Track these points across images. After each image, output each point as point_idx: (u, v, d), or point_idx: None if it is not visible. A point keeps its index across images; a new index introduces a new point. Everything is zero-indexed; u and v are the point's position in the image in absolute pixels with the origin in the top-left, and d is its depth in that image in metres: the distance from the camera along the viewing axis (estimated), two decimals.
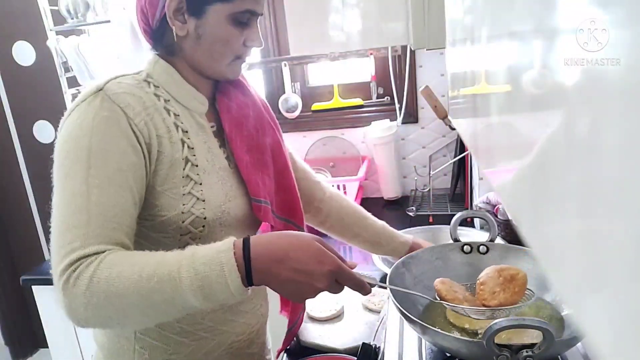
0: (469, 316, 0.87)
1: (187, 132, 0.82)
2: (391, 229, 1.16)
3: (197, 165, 0.81)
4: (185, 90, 0.84)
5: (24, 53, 2.15)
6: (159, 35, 0.83)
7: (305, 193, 1.07)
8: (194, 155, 0.81)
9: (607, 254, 0.25)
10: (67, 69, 1.84)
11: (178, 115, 0.82)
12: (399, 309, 0.86)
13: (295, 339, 1.12)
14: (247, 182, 0.88)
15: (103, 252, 0.67)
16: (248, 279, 0.66)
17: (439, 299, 0.89)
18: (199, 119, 0.86)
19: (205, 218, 0.81)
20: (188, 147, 0.81)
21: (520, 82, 0.40)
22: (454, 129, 1.80)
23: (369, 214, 1.15)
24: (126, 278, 0.64)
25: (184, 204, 0.79)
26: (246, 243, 0.67)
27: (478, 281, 0.91)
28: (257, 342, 0.97)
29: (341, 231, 1.15)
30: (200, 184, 0.81)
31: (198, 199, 0.80)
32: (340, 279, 0.70)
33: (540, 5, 0.34)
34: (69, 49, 1.79)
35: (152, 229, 0.80)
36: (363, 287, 0.73)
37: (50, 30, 1.81)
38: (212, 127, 0.88)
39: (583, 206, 0.28)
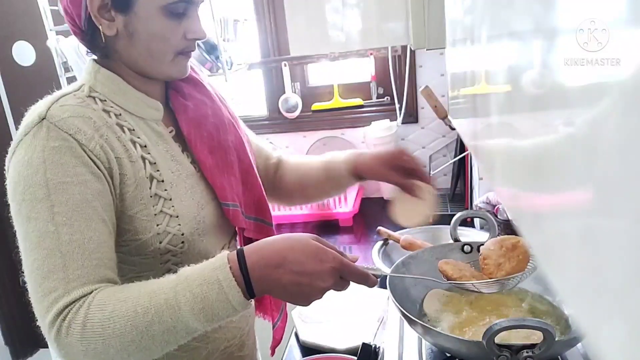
0: (480, 291, 0.86)
1: (145, 146, 0.76)
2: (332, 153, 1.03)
3: (162, 181, 0.76)
4: (135, 99, 0.77)
5: (24, 53, 2.15)
6: (90, 37, 0.75)
7: (261, 171, 1.02)
8: (158, 171, 0.76)
9: (607, 254, 0.25)
10: (67, 69, 1.84)
11: (133, 130, 0.75)
12: (399, 309, 0.86)
13: (295, 338, 1.12)
14: (213, 186, 0.83)
15: (90, 293, 0.63)
16: (249, 291, 0.64)
17: (445, 280, 0.89)
18: (156, 126, 0.80)
19: (183, 234, 0.77)
20: (150, 162, 0.75)
21: (520, 82, 0.40)
22: (454, 129, 1.80)
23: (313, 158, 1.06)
24: (121, 317, 0.61)
25: (158, 224, 0.74)
26: (240, 254, 0.65)
27: (481, 257, 0.90)
28: (247, 343, 0.96)
29: (302, 187, 1.05)
30: (170, 199, 0.76)
31: (171, 216, 0.76)
32: (344, 274, 0.68)
33: (540, 5, 0.34)
34: (69, 49, 1.79)
35: (129, 253, 0.76)
36: (368, 280, 0.70)
37: (50, 30, 1.80)
38: (170, 132, 0.83)
39: (583, 206, 0.28)
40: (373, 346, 0.94)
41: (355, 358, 0.93)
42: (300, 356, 1.07)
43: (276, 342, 1.00)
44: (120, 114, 0.75)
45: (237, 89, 2.14)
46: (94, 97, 0.74)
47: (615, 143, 0.23)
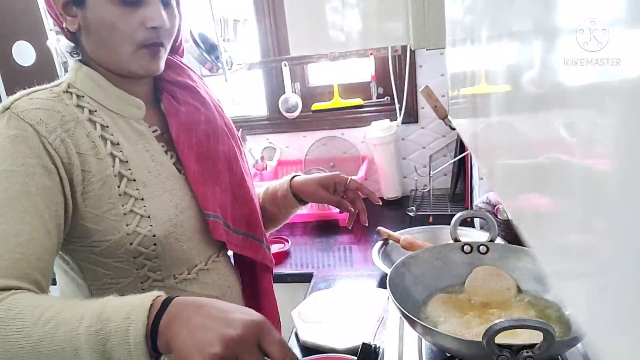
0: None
1: (117, 144, 0.74)
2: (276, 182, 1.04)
3: (134, 180, 0.74)
4: (115, 96, 0.76)
5: (24, 53, 2.15)
6: (68, 36, 0.77)
7: None
8: (129, 170, 0.74)
9: (607, 254, 0.25)
10: (67, 69, 1.84)
11: (106, 127, 0.74)
12: (399, 309, 0.86)
13: (295, 338, 1.12)
14: (196, 194, 0.81)
15: (7, 289, 0.58)
16: (154, 329, 0.53)
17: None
18: (137, 125, 0.78)
19: (154, 236, 0.74)
20: (120, 160, 0.73)
21: (520, 82, 0.40)
22: (454, 129, 1.80)
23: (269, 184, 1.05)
24: (21, 320, 0.54)
25: (127, 224, 0.72)
26: (169, 300, 0.56)
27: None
28: None
29: (273, 213, 1.03)
30: (142, 199, 0.74)
31: (142, 216, 0.73)
32: (264, 338, 0.53)
33: (540, 5, 0.34)
34: (69, 49, 1.79)
35: (101, 255, 0.73)
36: (287, 356, 0.54)
37: (50, 30, 1.81)
38: (154, 131, 0.81)
39: (583, 206, 0.28)
40: (373, 346, 0.94)
41: (355, 358, 0.93)
42: (300, 356, 1.07)
43: None
44: (95, 110, 0.74)
45: (237, 89, 2.14)
46: (70, 93, 0.74)
47: (616, 143, 0.23)
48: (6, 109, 0.67)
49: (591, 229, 0.27)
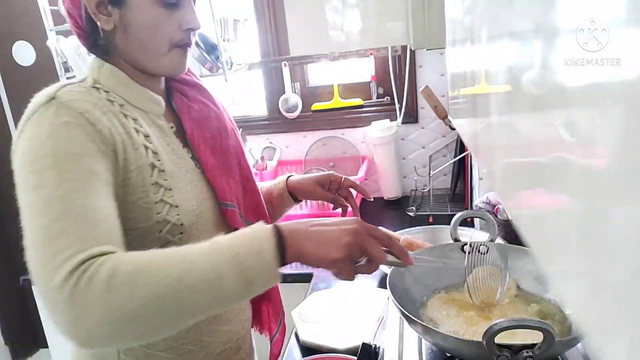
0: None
1: (148, 136, 0.76)
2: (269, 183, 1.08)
3: (163, 171, 0.76)
4: (138, 92, 0.79)
5: (24, 53, 2.15)
6: (91, 36, 0.78)
7: None
8: (159, 160, 0.76)
9: (607, 254, 0.25)
10: (67, 69, 1.84)
11: (136, 119, 0.76)
12: (399, 309, 0.86)
13: (295, 338, 1.12)
14: (214, 186, 0.84)
15: (109, 252, 0.59)
16: (280, 251, 0.62)
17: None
18: (158, 120, 0.81)
19: (182, 224, 0.77)
20: (152, 152, 0.76)
21: (520, 82, 0.40)
22: (454, 129, 1.80)
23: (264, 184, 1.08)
24: (154, 267, 0.57)
25: (158, 213, 0.74)
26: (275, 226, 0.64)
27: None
28: (243, 347, 0.94)
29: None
30: (170, 189, 0.76)
31: (171, 205, 0.76)
32: (370, 233, 0.65)
33: (540, 5, 0.34)
34: (69, 49, 1.79)
35: (129, 244, 0.71)
36: (391, 243, 0.68)
37: (50, 30, 1.80)
38: (171, 127, 0.84)
39: (583, 206, 0.28)
40: (373, 346, 0.94)
41: (355, 358, 0.93)
42: (300, 356, 1.07)
43: (274, 356, 0.98)
44: (123, 105, 0.76)
45: (237, 89, 2.14)
46: (97, 88, 0.75)
47: (615, 143, 0.23)
48: (52, 99, 0.68)
49: (591, 229, 0.27)
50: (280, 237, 0.62)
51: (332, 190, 1.03)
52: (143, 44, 0.76)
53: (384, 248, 0.68)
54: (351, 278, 0.65)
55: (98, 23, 0.75)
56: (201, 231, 0.81)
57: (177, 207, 0.76)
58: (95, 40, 0.78)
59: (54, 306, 0.56)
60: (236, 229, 0.85)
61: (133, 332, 0.57)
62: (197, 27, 0.78)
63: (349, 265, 0.64)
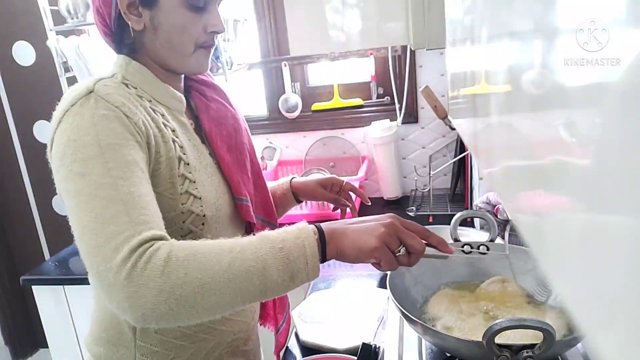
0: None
1: (174, 130, 0.81)
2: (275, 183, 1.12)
3: (188, 164, 0.80)
4: (163, 89, 0.83)
5: (24, 53, 2.15)
6: (119, 35, 0.81)
7: None
8: (185, 154, 0.80)
9: (607, 254, 0.25)
10: (67, 69, 1.84)
11: (163, 115, 0.80)
12: (399, 309, 0.87)
13: (295, 338, 1.12)
14: (230, 181, 0.88)
15: (161, 237, 0.64)
16: (321, 238, 0.67)
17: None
18: (180, 117, 0.85)
19: (204, 215, 0.80)
20: (179, 145, 0.80)
21: (520, 82, 0.40)
22: (454, 129, 1.80)
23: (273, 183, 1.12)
24: (206, 253, 0.62)
25: (182, 204, 0.78)
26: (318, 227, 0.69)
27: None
28: (252, 337, 0.98)
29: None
30: (194, 181, 0.80)
31: (195, 197, 0.79)
32: (405, 226, 0.69)
33: (540, 5, 0.34)
34: (69, 49, 1.79)
35: None
36: (430, 237, 0.72)
37: (50, 30, 1.80)
38: (191, 124, 0.88)
39: (583, 206, 0.28)
40: (373, 346, 0.94)
41: (355, 358, 0.93)
42: (300, 356, 1.07)
43: (280, 345, 1.02)
44: (151, 100, 0.80)
45: (237, 89, 2.14)
46: (126, 84, 0.78)
47: (615, 143, 0.23)
48: (90, 91, 0.71)
49: (591, 229, 0.27)
50: (322, 235, 0.67)
51: (334, 192, 1.08)
52: (171, 44, 0.79)
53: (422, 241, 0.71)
54: (394, 267, 0.69)
55: (129, 23, 0.78)
56: (219, 223, 0.84)
57: (200, 198, 0.80)
58: (122, 39, 0.81)
59: (111, 285, 0.60)
60: (249, 223, 0.92)
61: (184, 312, 0.61)
62: (222, 30, 0.82)
63: (388, 253, 0.67)
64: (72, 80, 1.88)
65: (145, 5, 0.77)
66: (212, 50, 0.85)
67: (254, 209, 0.93)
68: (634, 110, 0.21)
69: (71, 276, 1.66)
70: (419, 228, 0.72)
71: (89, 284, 0.76)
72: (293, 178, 1.11)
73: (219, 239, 0.66)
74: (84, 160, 0.66)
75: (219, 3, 0.83)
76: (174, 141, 0.79)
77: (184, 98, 0.86)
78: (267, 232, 0.68)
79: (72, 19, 1.80)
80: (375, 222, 0.69)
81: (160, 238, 0.64)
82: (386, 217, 0.70)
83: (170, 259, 0.61)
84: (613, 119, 0.23)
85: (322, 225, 0.69)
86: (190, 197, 0.79)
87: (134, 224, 0.63)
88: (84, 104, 0.70)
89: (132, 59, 0.81)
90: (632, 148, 0.21)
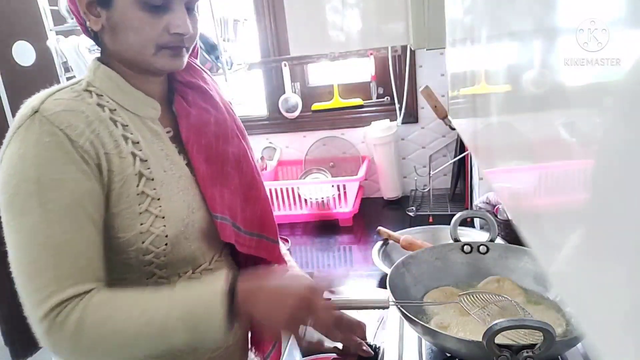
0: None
1: (138, 143, 0.75)
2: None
3: (152, 179, 0.75)
4: (133, 96, 0.78)
5: (24, 53, 2.15)
6: (89, 34, 0.78)
7: None
8: (148, 169, 0.75)
9: (607, 254, 0.25)
10: (67, 69, 1.84)
11: (126, 126, 0.75)
12: (400, 309, 0.87)
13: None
14: (204, 196, 0.82)
15: (83, 292, 0.66)
16: (231, 307, 0.67)
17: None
18: (152, 125, 0.79)
19: (166, 236, 0.76)
20: (140, 159, 0.75)
21: (520, 82, 0.40)
22: (454, 129, 1.80)
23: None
24: (117, 320, 0.66)
25: (142, 223, 0.74)
26: (233, 289, 0.69)
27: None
28: (236, 354, 0.92)
29: None
30: (158, 199, 0.75)
31: (157, 216, 0.75)
32: (317, 301, 0.71)
33: (540, 5, 0.34)
34: (69, 49, 1.79)
35: (111, 251, 0.74)
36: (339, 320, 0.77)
37: (50, 30, 1.80)
38: (168, 132, 0.82)
39: (583, 206, 0.28)
40: (373, 346, 0.94)
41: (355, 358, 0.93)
42: (300, 356, 1.07)
43: None
44: (115, 109, 0.75)
45: (237, 89, 2.14)
46: (90, 91, 0.75)
47: (615, 143, 0.23)
48: (35, 112, 0.68)
49: (591, 229, 0.27)
50: (233, 301, 0.68)
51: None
52: (130, 46, 0.75)
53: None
54: (300, 345, 0.74)
55: (87, 23, 0.76)
56: (190, 240, 0.80)
57: (163, 217, 0.75)
58: (97, 39, 0.79)
59: (36, 332, 0.67)
60: (227, 243, 0.87)
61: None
62: (187, 32, 0.75)
63: (295, 330, 0.71)
64: None
65: (102, 4, 0.73)
66: (187, 51, 0.79)
67: (241, 225, 0.87)
68: (634, 110, 0.21)
69: None
70: (329, 315, 0.74)
71: None
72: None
73: (137, 296, 0.69)
74: (24, 197, 0.66)
75: (193, 4, 0.77)
76: (134, 155, 0.74)
77: (158, 104, 0.81)
78: (180, 292, 0.70)
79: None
80: (290, 293, 0.69)
81: (85, 292, 0.66)
82: (303, 289, 0.70)
83: (81, 323, 0.64)
84: (613, 119, 0.23)
85: (239, 288, 0.69)
86: (151, 216, 0.74)
87: (60, 279, 0.65)
88: (30, 127, 0.68)
89: (106, 62, 0.78)
90: (632, 148, 0.21)
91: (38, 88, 0.75)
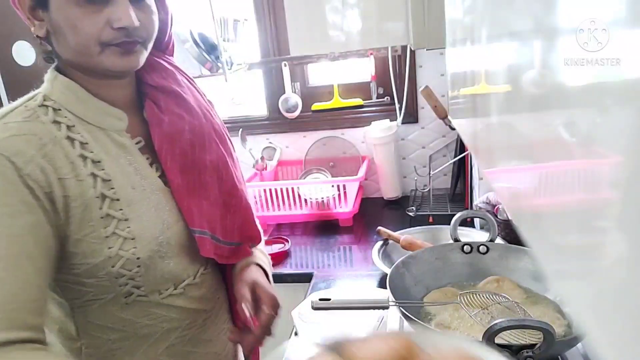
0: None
1: (99, 162, 0.70)
2: None
3: (117, 200, 0.70)
4: (94, 107, 0.72)
5: (24, 53, 2.15)
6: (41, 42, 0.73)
7: None
8: (112, 189, 0.70)
9: (607, 254, 0.25)
10: None
11: (86, 144, 0.69)
12: (400, 309, 0.87)
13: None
14: (181, 209, 0.77)
15: (5, 342, 0.57)
16: None
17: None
18: (119, 137, 0.74)
19: (138, 258, 0.71)
20: (102, 180, 0.69)
21: (520, 82, 0.40)
22: (454, 129, 1.80)
23: None
24: None
25: (109, 247, 0.68)
26: None
27: None
28: None
29: None
30: (126, 219, 0.70)
31: (125, 238, 0.70)
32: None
33: (540, 5, 0.34)
34: None
35: (83, 275, 0.70)
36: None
37: None
38: (137, 142, 0.77)
39: (583, 206, 0.28)
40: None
41: None
42: None
43: None
44: (73, 126, 0.70)
45: (237, 89, 2.14)
46: (46, 106, 0.69)
47: (616, 142, 0.23)
48: None
49: (591, 229, 0.27)
50: None
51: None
52: (73, 47, 0.68)
53: None
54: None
55: (32, 29, 0.70)
56: (168, 257, 0.75)
57: (132, 239, 0.70)
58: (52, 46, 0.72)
59: None
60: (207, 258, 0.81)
61: None
62: (130, 24, 0.67)
63: None
64: None
65: (41, 6, 0.68)
66: (144, 47, 0.72)
67: (220, 236, 0.82)
68: (634, 110, 0.21)
69: None
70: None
71: None
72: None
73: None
74: None
75: None
76: (95, 176, 0.69)
77: (124, 115, 0.75)
78: None
79: None
80: None
81: (6, 342, 0.58)
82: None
83: None
84: (613, 119, 0.23)
85: None
86: (119, 239, 0.69)
87: None
88: None
89: (64, 72, 0.72)
90: (633, 147, 0.21)
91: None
